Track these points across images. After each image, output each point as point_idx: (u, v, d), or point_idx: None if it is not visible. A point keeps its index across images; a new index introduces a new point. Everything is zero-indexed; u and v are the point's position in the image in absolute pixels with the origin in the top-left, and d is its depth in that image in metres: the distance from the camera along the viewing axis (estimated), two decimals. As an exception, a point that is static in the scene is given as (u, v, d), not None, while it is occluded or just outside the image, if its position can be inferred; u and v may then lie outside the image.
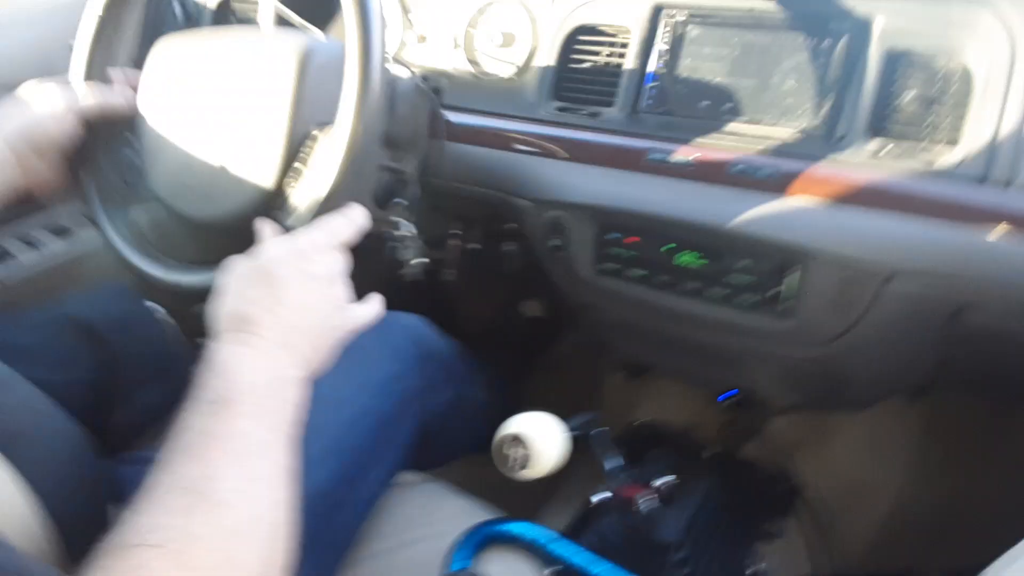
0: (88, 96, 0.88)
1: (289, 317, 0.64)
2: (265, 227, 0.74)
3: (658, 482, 1.04)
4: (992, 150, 0.76)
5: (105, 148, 0.93)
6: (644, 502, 0.94)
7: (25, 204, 1.08)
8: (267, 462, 0.55)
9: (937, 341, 0.83)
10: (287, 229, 0.75)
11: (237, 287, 0.66)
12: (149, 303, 1.04)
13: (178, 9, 1.25)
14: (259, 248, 0.69)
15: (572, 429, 0.82)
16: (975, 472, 1.21)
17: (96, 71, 0.93)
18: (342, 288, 0.70)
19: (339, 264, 0.70)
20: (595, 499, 0.96)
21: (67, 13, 1.19)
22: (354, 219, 0.73)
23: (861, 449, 1.31)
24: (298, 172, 0.83)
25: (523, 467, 0.74)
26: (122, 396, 0.94)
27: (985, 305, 0.77)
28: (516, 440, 0.74)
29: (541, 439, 0.74)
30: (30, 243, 1.12)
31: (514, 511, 0.84)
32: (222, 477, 0.51)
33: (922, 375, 0.97)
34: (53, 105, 0.86)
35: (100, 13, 0.92)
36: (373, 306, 0.73)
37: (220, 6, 1.26)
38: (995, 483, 1.17)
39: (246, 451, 0.54)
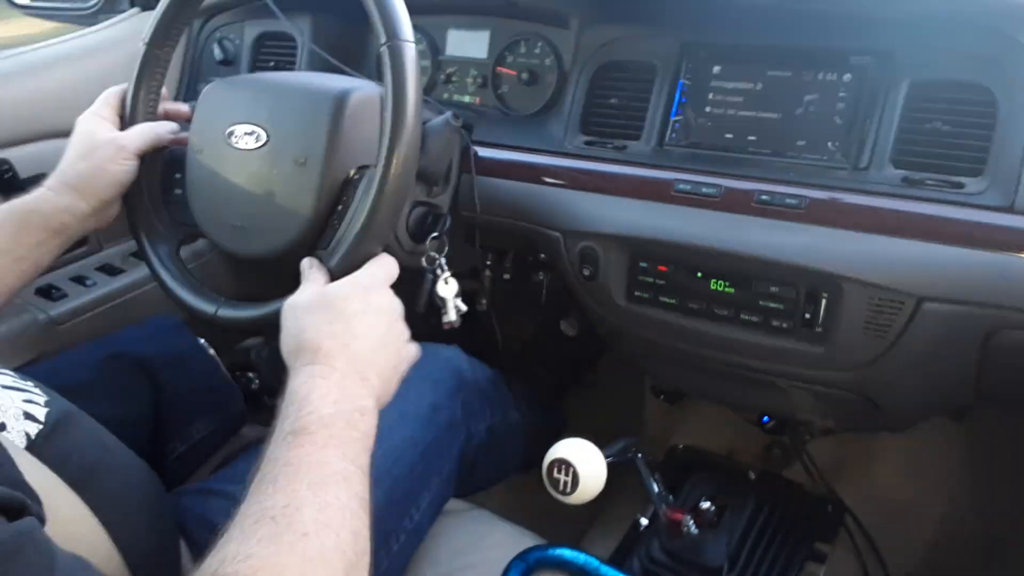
0: (140, 135, 0.93)
1: (361, 349, 0.67)
2: (315, 264, 0.78)
3: (704, 505, 1.05)
4: (1017, 177, 0.76)
5: (153, 184, 0.98)
6: (690, 525, 0.95)
7: (80, 246, 1.14)
8: (345, 492, 0.56)
9: (972, 364, 0.84)
10: (329, 267, 0.79)
11: (309, 320, 0.69)
12: (199, 339, 1.08)
13: (217, 50, 1.30)
14: (321, 283, 0.73)
15: (612, 455, 0.83)
16: (1018, 492, 1.20)
17: (141, 109, 0.98)
18: (403, 323, 0.74)
19: (397, 301, 0.75)
20: (643, 521, 0.97)
21: (108, 53, 1.25)
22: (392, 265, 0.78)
23: (905, 470, 1.30)
24: (340, 212, 0.87)
25: (571, 491, 0.76)
26: (175, 430, 0.98)
27: (1017, 325, 0.78)
28: (564, 464, 0.76)
29: (587, 465, 0.76)
30: (82, 282, 1.17)
31: (559, 536, 0.86)
32: (305, 507, 0.53)
33: (960, 397, 0.97)
34: (113, 149, 0.91)
35: (144, 53, 0.97)
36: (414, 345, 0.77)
37: (257, 46, 1.31)
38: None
39: (326, 481, 0.56)
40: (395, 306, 0.74)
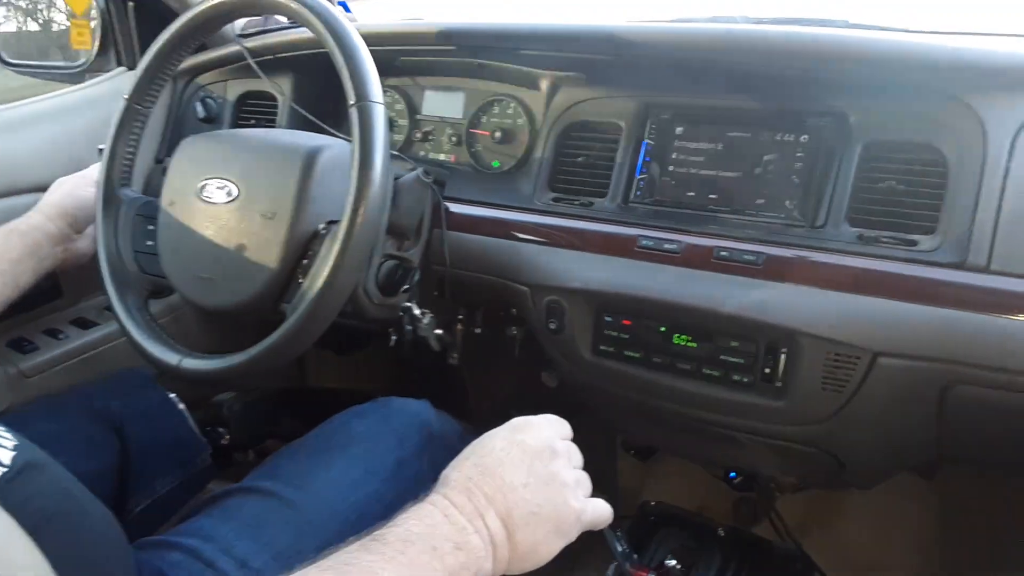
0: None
1: (501, 491, 0.61)
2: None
3: (669, 563, 1.04)
4: (968, 236, 0.78)
5: (125, 235, 1.00)
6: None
7: (55, 298, 1.15)
8: None
9: (931, 417, 0.84)
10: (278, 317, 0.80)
11: (494, 456, 0.64)
12: (169, 393, 1.08)
13: (200, 108, 1.33)
14: (536, 432, 0.67)
15: None
16: (990, 549, 1.20)
17: (118, 163, 1.00)
18: (575, 490, 0.66)
19: (576, 468, 0.68)
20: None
21: (92, 109, 1.28)
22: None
23: (875, 528, 1.30)
24: (304, 266, 0.88)
25: None
26: (139, 484, 0.97)
27: (971, 381, 0.79)
28: None
29: None
30: (54, 335, 1.17)
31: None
32: None
33: (923, 454, 0.97)
34: (78, 176, 1.08)
35: (125, 108, 0.99)
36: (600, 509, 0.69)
37: (239, 104, 1.34)
38: (1011, 561, 1.16)
39: None
40: (584, 486, 0.67)
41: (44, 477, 0.68)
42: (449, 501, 0.60)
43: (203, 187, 0.92)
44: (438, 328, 1.04)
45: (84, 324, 1.21)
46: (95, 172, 1.05)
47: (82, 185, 1.06)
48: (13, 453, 0.65)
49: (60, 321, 1.20)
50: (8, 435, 0.67)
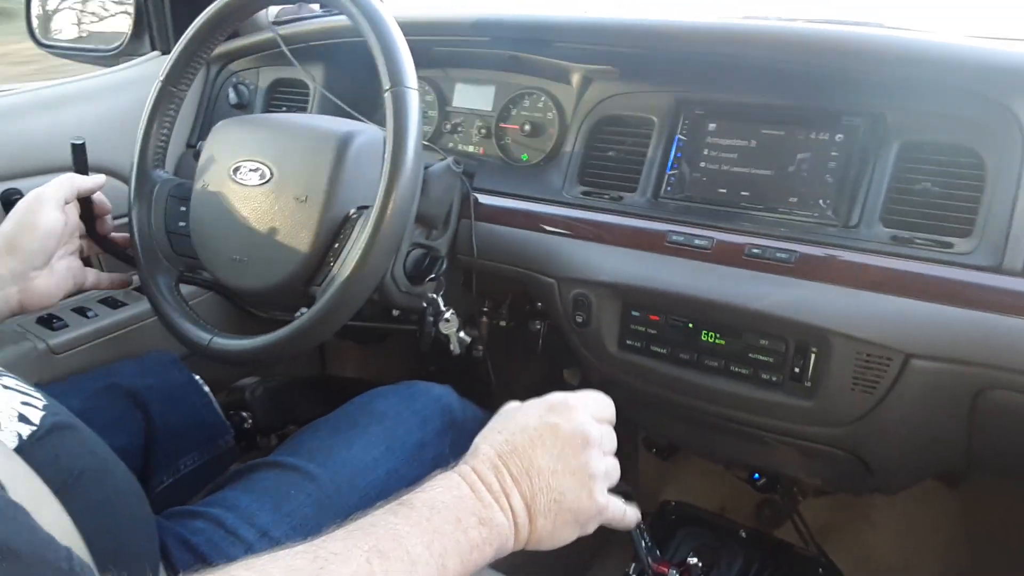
0: (57, 184, 0.94)
1: (528, 472, 0.61)
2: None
3: (691, 560, 1.04)
4: (1005, 238, 0.77)
5: (158, 215, 1.00)
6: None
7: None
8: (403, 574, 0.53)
9: (963, 422, 0.83)
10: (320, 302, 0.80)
11: (526, 435, 0.63)
12: (194, 374, 1.08)
13: (232, 94, 1.34)
14: (571, 415, 0.65)
15: None
16: (1013, 558, 1.18)
17: (152, 144, 1.01)
18: (603, 479, 0.66)
19: (610, 457, 0.68)
20: (633, 576, 0.95)
21: (125, 93, 1.29)
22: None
23: (898, 535, 1.28)
24: (336, 250, 0.88)
25: None
26: (163, 463, 0.98)
27: (1006, 385, 0.78)
28: None
29: None
30: (83, 313, 1.18)
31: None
32: (351, 562, 0.51)
33: (952, 458, 0.96)
34: (32, 198, 0.92)
35: (159, 90, 1.00)
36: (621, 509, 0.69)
37: (271, 91, 1.35)
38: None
39: (389, 554, 0.52)
40: (612, 474, 0.67)
41: (72, 438, 0.69)
42: (477, 475, 0.60)
43: (236, 169, 0.92)
44: (461, 330, 1.04)
45: (113, 304, 1.22)
46: (51, 190, 0.92)
47: (35, 208, 0.90)
48: (43, 413, 0.66)
49: (89, 300, 1.21)
50: (39, 395, 0.68)
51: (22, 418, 0.63)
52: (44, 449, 0.63)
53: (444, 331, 1.03)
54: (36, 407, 0.66)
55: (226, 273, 0.93)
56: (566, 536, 0.63)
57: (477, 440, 0.64)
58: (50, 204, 0.91)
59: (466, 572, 0.56)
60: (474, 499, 0.58)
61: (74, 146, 0.99)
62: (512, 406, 0.68)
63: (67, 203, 0.94)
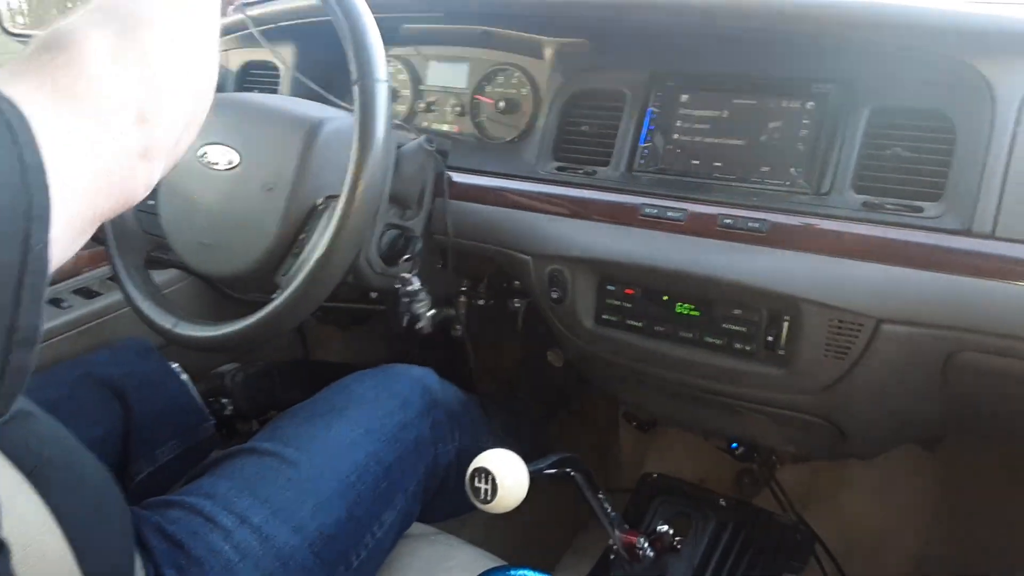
0: None
1: None
2: None
3: (661, 528, 1.05)
4: (974, 201, 0.78)
5: None
6: (645, 549, 0.95)
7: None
8: None
9: (935, 386, 0.84)
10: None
11: None
12: (171, 363, 1.08)
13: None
14: None
15: (538, 469, 0.83)
16: (993, 523, 1.20)
17: None
18: None
19: None
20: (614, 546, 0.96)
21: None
22: None
23: (877, 499, 1.30)
24: (301, 240, 0.88)
25: (490, 499, 0.76)
26: (142, 452, 0.98)
27: (976, 348, 0.79)
28: (485, 473, 0.76)
29: (506, 475, 0.76)
30: (57, 304, 1.17)
31: (533, 566, 0.85)
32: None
33: (927, 422, 0.97)
34: None
35: None
36: None
37: (243, 74, 1.33)
38: (1015, 534, 1.16)
39: None
40: None
41: (37, 423, 0.69)
42: None
43: (204, 152, 0.91)
44: (433, 309, 1.04)
45: (88, 294, 1.21)
46: None
47: None
48: None
49: (63, 291, 1.20)
50: None
51: None
52: (10, 433, 0.62)
53: (416, 311, 1.02)
54: None
55: (193, 257, 0.93)
56: None
57: None
58: None
59: None
60: None
61: None
62: None
63: None
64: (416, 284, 1.00)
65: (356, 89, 0.81)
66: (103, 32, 0.45)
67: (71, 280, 1.22)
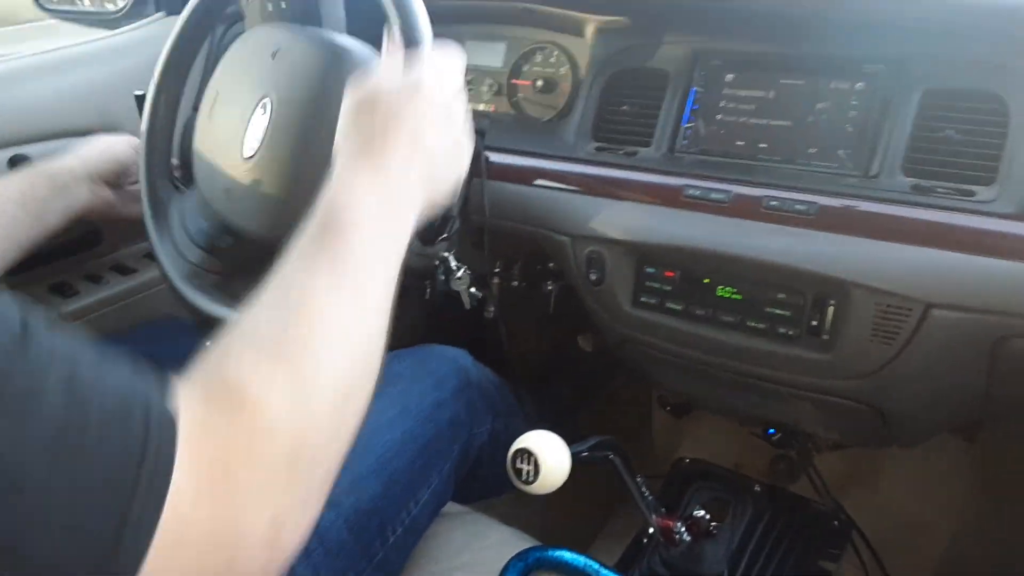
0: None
1: (414, 144, 0.61)
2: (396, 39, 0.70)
3: (698, 513, 1.04)
4: (1029, 185, 0.76)
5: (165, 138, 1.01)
6: (682, 533, 0.94)
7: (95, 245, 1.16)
8: (371, 287, 0.53)
9: (982, 371, 0.83)
10: None
11: (365, 116, 0.62)
12: (208, 340, 1.08)
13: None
14: (377, 79, 0.65)
15: (580, 451, 0.82)
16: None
17: (162, 111, 0.99)
18: (464, 125, 0.68)
19: (461, 101, 0.68)
20: (651, 531, 0.95)
21: (126, 57, 1.27)
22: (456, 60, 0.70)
23: (915, 487, 1.29)
24: None
25: (533, 480, 0.75)
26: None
27: (1025, 334, 0.77)
28: (527, 454, 0.76)
29: (549, 455, 0.76)
30: (95, 280, 1.18)
31: (566, 546, 0.85)
32: (323, 289, 0.50)
33: (970, 410, 0.96)
34: (125, 144, 1.06)
35: (167, 55, 0.98)
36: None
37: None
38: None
39: (353, 270, 0.52)
40: (457, 106, 0.68)
41: None
42: (385, 157, 0.60)
43: (247, 101, 0.89)
44: (472, 286, 1.03)
45: (124, 270, 1.22)
46: (136, 140, 1.03)
47: (123, 144, 1.06)
48: None
49: (101, 267, 1.21)
50: None
51: None
52: None
53: (455, 287, 1.02)
54: None
55: (233, 215, 0.91)
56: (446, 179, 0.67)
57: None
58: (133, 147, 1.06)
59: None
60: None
61: (137, 97, 1.02)
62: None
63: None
64: (454, 262, 0.99)
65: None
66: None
67: (108, 256, 1.24)
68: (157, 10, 1.35)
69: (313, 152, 0.84)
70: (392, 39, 0.71)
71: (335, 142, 0.64)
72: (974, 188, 0.80)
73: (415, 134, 0.61)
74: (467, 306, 1.02)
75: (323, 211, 0.55)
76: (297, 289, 0.50)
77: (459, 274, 1.01)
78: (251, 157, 0.87)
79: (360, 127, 0.62)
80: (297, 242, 0.53)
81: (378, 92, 0.63)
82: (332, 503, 0.76)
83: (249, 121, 0.89)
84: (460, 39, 1.19)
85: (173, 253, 0.96)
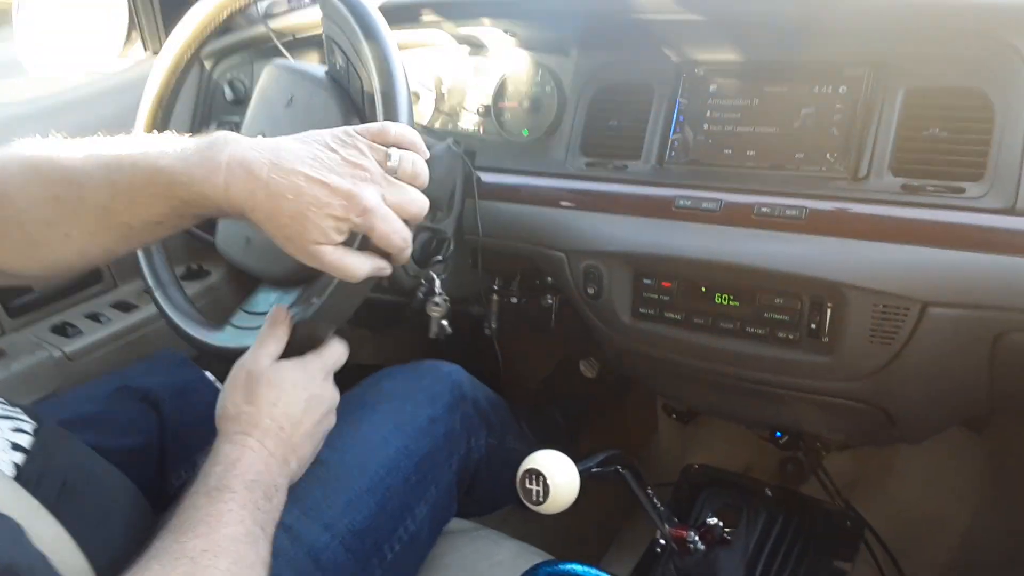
0: None
1: (293, 436, 0.73)
2: (280, 317, 0.79)
3: (711, 521, 1.04)
4: (1017, 179, 0.76)
5: None
6: (695, 542, 0.94)
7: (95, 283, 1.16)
8: (255, 553, 0.62)
9: (984, 367, 0.83)
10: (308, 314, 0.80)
11: (258, 392, 0.73)
12: (206, 372, 1.08)
13: (228, 90, 1.33)
14: (279, 344, 0.77)
15: (587, 467, 0.82)
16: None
17: None
18: (333, 414, 0.79)
19: (335, 393, 0.80)
20: (662, 542, 0.95)
21: (122, 97, 1.28)
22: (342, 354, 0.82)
23: (925, 483, 1.28)
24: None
25: (542, 501, 0.76)
26: (180, 460, 0.98)
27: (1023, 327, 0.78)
28: (536, 475, 0.76)
29: (558, 476, 0.76)
30: (95, 318, 1.19)
31: (576, 559, 0.85)
32: (222, 556, 0.59)
33: (975, 405, 0.95)
34: None
35: (156, 94, 0.99)
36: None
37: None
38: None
39: (241, 539, 0.62)
40: (333, 398, 0.79)
41: (63, 453, 0.70)
42: (264, 446, 0.71)
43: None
44: (446, 318, 1.04)
45: (125, 307, 1.22)
46: None
47: None
48: (32, 438, 0.67)
49: (101, 305, 1.21)
50: (26, 416, 0.69)
51: (15, 446, 0.64)
52: (34, 469, 0.64)
53: (428, 312, 1.02)
54: (27, 431, 0.67)
55: (242, 257, 0.92)
56: (308, 458, 0.77)
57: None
58: None
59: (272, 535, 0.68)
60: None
61: None
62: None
63: None
64: (438, 287, 1.00)
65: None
66: None
67: (108, 294, 1.24)
68: (144, 50, 1.36)
69: None
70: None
71: (224, 400, 0.75)
72: (963, 184, 0.80)
73: (274, 412, 0.73)
74: (431, 334, 1.03)
75: (214, 479, 0.66)
76: (198, 554, 0.59)
77: (436, 299, 1.01)
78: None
79: (230, 398, 0.74)
80: (191, 501, 0.64)
81: (250, 370, 0.75)
82: (327, 525, 0.77)
83: None
84: (446, 61, 1.20)
85: (171, 289, 0.97)
